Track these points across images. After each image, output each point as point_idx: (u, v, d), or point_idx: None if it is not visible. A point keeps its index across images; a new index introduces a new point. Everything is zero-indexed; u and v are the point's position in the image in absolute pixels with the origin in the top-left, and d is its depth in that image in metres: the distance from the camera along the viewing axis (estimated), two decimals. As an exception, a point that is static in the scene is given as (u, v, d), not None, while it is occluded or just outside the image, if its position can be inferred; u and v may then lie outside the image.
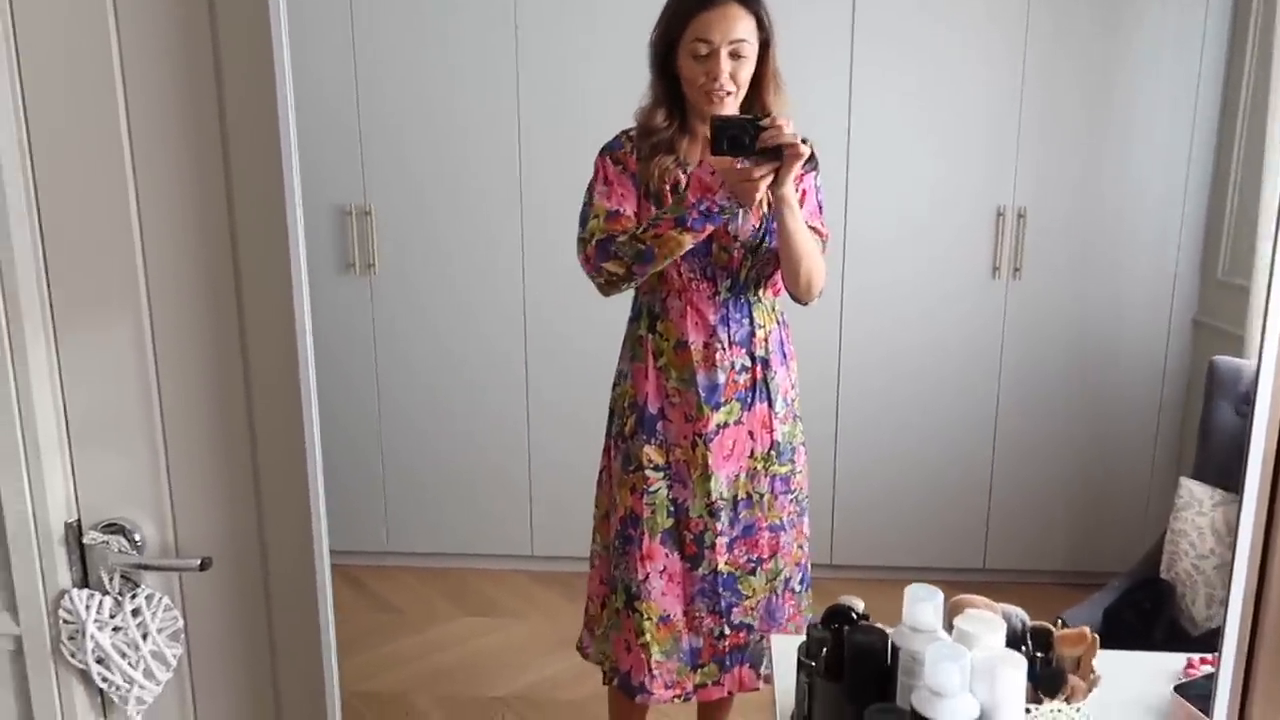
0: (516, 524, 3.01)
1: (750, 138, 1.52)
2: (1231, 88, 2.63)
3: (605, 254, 1.67)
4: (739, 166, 1.55)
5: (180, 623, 1.06)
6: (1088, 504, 2.91)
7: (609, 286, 1.70)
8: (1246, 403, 2.16)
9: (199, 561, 1.00)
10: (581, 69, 2.67)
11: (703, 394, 1.74)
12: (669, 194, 1.69)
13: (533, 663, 2.59)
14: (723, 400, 1.75)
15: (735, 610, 1.81)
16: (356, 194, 2.82)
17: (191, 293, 0.99)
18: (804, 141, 1.56)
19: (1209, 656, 1.40)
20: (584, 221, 1.73)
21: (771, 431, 1.79)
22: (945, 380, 2.85)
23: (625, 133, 1.77)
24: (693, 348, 1.73)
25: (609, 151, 1.75)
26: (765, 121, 1.53)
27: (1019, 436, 2.87)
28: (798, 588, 1.88)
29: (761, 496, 1.80)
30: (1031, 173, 2.71)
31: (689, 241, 1.62)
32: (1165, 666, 1.42)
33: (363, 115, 2.77)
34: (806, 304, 1.75)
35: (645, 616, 1.79)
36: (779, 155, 1.53)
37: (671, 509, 1.79)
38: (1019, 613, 1.22)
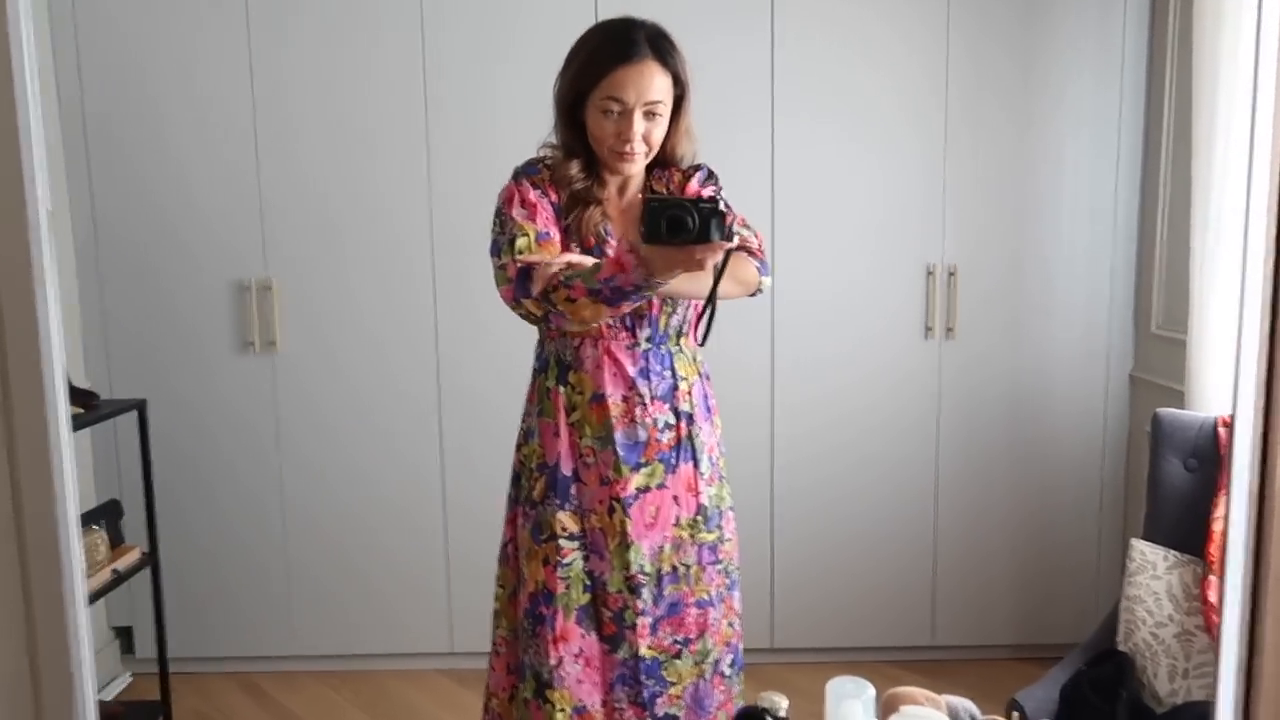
0: (435, 620, 2.77)
1: (694, 219, 1.33)
2: (1152, 143, 2.62)
3: (525, 289, 1.48)
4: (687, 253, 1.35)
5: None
6: (1036, 571, 2.78)
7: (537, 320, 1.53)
8: (1195, 456, 2.06)
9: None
10: (493, 137, 2.56)
11: (621, 453, 1.57)
12: (591, 242, 1.56)
13: (451, 774, 2.34)
14: (643, 460, 1.58)
15: (659, 701, 1.61)
16: (257, 268, 2.65)
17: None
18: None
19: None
20: (497, 250, 1.54)
21: (697, 494, 1.62)
22: (882, 445, 2.73)
23: (543, 160, 1.61)
24: (610, 401, 1.57)
25: (525, 175, 1.59)
26: (707, 205, 1.34)
27: (961, 503, 2.75)
28: (728, 671, 1.69)
29: (688, 569, 1.62)
30: (959, 230, 2.65)
31: (607, 313, 1.45)
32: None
33: (264, 187, 2.63)
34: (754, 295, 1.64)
35: (558, 707, 1.58)
36: (727, 236, 1.36)
37: (588, 583, 1.61)
38: (967, 706, 1.05)
